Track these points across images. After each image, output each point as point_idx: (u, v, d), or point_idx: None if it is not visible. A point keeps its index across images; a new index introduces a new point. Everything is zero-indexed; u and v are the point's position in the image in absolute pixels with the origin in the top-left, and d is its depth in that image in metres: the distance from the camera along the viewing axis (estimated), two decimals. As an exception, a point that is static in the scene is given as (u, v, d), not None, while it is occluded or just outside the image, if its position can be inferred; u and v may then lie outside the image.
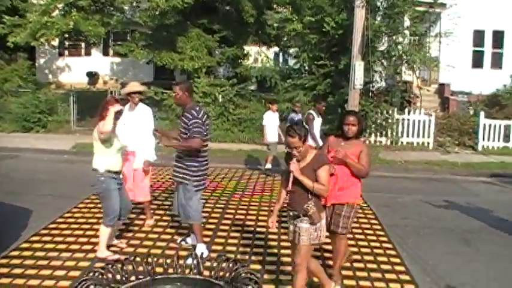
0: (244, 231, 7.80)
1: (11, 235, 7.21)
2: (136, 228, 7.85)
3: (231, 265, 3.02)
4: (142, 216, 8.26)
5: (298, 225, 4.93)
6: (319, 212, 4.91)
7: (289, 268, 6.03)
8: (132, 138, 7.40)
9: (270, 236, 7.50)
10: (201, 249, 6.67)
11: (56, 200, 9.26)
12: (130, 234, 7.53)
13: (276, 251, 6.98)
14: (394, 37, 16.91)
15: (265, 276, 6.12)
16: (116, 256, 6.40)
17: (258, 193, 10.45)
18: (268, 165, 12.32)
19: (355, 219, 8.55)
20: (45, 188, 10.17)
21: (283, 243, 7.14)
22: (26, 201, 8.83)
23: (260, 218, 8.52)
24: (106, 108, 6.28)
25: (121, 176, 6.73)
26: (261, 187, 10.95)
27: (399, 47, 16.70)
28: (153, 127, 7.66)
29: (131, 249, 6.93)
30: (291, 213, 5.02)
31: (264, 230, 7.83)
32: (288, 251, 6.33)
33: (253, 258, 6.74)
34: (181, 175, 6.54)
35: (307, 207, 4.78)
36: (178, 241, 7.23)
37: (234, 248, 7.10)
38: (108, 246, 6.65)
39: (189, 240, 7.07)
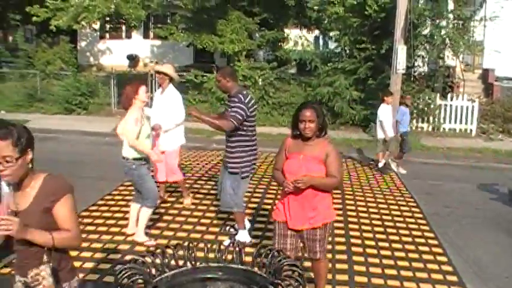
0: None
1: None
2: (175, 211, 7.89)
3: (274, 255, 2.96)
4: (181, 200, 8.32)
5: None
6: (67, 280, 3.02)
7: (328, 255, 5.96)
8: (160, 122, 7.44)
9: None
10: (244, 236, 6.61)
11: (97, 182, 9.37)
12: (170, 218, 7.58)
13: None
14: (437, 21, 16.54)
15: (305, 263, 6.09)
16: (153, 242, 6.45)
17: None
18: (383, 161, 11.02)
19: (396, 207, 8.55)
20: (87, 170, 10.30)
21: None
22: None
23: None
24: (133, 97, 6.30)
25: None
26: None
27: (443, 31, 16.33)
28: (183, 112, 7.65)
29: (171, 233, 6.97)
30: (19, 282, 2.98)
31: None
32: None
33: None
34: (228, 160, 6.35)
35: (36, 276, 2.80)
36: (227, 228, 7.12)
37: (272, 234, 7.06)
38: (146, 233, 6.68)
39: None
